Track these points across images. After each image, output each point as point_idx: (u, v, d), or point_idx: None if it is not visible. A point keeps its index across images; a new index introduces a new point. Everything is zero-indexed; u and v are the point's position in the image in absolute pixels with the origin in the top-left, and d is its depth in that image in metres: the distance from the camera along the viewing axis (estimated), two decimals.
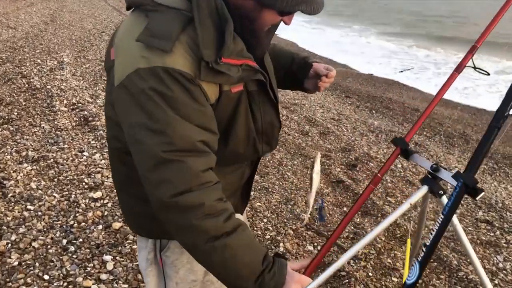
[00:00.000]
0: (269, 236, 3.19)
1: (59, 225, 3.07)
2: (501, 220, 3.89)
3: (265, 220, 3.43)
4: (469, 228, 3.63)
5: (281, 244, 3.06)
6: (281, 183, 4.17)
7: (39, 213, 3.19)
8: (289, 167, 4.59)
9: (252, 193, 3.53)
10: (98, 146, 4.49)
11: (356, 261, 2.94)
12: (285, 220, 3.44)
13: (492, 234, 3.57)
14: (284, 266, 1.11)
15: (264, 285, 1.06)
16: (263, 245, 3.04)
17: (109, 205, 3.38)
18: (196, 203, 1.00)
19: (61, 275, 2.59)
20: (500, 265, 3.07)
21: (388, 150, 5.71)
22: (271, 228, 3.31)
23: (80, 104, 5.75)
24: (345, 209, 3.70)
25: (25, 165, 3.92)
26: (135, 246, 2.87)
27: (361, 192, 4.00)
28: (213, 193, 1.04)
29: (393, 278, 2.79)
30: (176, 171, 0.99)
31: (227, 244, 1.02)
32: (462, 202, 4.28)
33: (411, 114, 8.72)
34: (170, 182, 0.99)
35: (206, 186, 1.02)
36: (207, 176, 1.03)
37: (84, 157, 4.20)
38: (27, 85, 6.34)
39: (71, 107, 5.65)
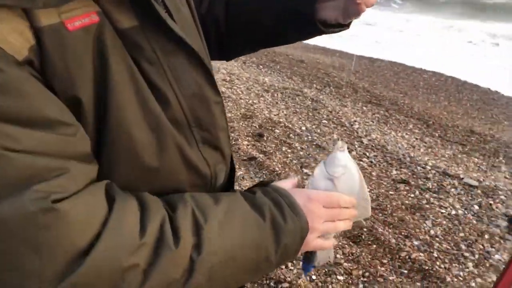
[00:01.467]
0: None
1: None
2: (414, 176, 3.86)
3: None
4: (390, 192, 3.51)
5: None
6: None
7: None
8: None
9: None
10: None
11: None
12: None
13: (412, 195, 3.50)
14: (282, 194, 0.76)
15: (283, 232, 0.72)
16: None
17: None
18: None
19: None
20: (432, 232, 2.97)
21: (287, 110, 5.42)
22: None
23: None
24: None
25: None
26: None
27: (277, 169, 3.64)
28: None
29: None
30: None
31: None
32: (373, 161, 4.19)
33: (297, 66, 8.56)
34: None
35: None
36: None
37: None
38: None
39: None
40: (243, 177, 3.48)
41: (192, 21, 0.80)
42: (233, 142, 4.12)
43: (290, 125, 4.80)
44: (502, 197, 3.54)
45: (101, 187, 0.59)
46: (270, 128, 4.63)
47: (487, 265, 2.67)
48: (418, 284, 2.45)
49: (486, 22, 14.64)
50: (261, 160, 3.79)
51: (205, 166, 0.74)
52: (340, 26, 0.95)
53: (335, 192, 0.82)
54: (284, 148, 4.14)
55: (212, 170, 0.76)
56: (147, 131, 0.62)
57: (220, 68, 7.11)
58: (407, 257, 2.64)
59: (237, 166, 3.69)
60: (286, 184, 0.81)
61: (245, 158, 3.84)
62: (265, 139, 4.33)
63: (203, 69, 0.70)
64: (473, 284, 2.47)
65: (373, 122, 5.52)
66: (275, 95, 6.07)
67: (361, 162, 4.07)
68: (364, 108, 6.11)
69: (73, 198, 0.53)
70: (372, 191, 3.50)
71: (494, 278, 2.54)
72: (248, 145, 4.13)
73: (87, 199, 0.55)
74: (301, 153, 4.08)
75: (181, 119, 0.68)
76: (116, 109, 0.59)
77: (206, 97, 0.71)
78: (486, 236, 2.97)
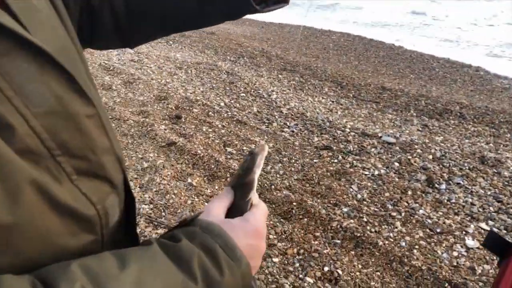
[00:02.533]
0: None
1: None
2: (335, 141, 3.89)
3: None
4: (315, 161, 3.50)
5: None
6: None
7: None
8: None
9: None
10: None
11: None
12: None
13: (336, 160, 3.52)
14: (210, 226, 0.62)
15: (210, 278, 0.57)
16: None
17: None
18: None
19: None
20: (359, 196, 3.01)
21: (204, 87, 5.22)
22: None
23: None
24: (189, 180, 3.14)
25: None
26: None
27: (199, 152, 3.48)
28: None
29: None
30: None
31: None
32: (295, 131, 4.17)
33: (208, 39, 8.29)
34: None
35: None
36: None
37: None
38: None
39: None
40: (163, 166, 3.27)
41: (53, 16, 0.60)
42: (149, 128, 3.87)
43: (208, 102, 4.62)
44: (419, 150, 3.69)
45: None
46: (187, 108, 4.42)
47: (414, 221, 2.75)
48: (352, 252, 2.46)
49: None
50: (181, 144, 3.60)
51: (86, 204, 0.55)
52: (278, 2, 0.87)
53: (262, 204, 0.73)
54: (204, 128, 3.97)
55: (99, 208, 0.57)
56: None
57: (126, 49, 6.66)
58: (338, 226, 2.64)
59: (156, 155, 3.48)
60: (218, 210, 0.67)
61: (163, 144, 3.63)
62: (183, 120, 4.12)
63: (62, 75, 0.51)
64: (403, 244, 2.53)
65: (289, 90, 5.50)
66: (189, 71, 5.82)
67: (283, 133, 4.02)
68: (280, 76, 6.06)
69: None
70: (297, 162, 3.48)
71: (421, 234, 2.64)
72: (165, 129, 3.90)
73: None
74: (223, 131, 3.94)
75: (37, 148, 0.48)
76: None
77: (71, 112, 0.52)
78: (409, 192, 3.07)
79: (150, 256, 0.53)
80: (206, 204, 0.77)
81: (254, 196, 0.71)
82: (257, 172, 0.73)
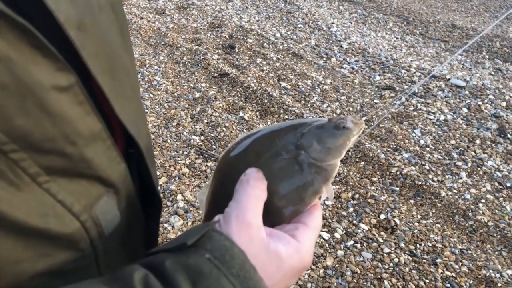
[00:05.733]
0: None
1: None
2: (399, 81, 3.61)
3: None
4: (375, 101, 3.27)
5: (179, 196, 2.34)
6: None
7: None
8: (156, 67, 3.63)
9: None
10: None
11: None
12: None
13: (398, 102, 3.27)
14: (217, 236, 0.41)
15: None
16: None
17: None
18: None
19: None
20: (422, 142, 2.79)
21: (259, 16, 4.95)
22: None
23: None
24: (241, 113, 3.01)
25: None
26: None
27: (252, 85, 3.32)
28: None
29: None
30: None
31: None
32: (355, 67, 3.90)
33: None
34: None
35: None
36: None
37: None
38: None
39: None
40: (215, 97, 3.16)
41: None
42: (202, 57, 3.73)
43: (263, 33, 4.39)
44: (491, 96, 3.36)
45: None
46: (241, 37, 4.21)
47: (481, 173, 2.53)
48: (412, 201, 2.30)
49: None
50: (234, 75, 3.45)
51: (64, 217, 0.39)
52: None
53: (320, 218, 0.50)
54: (258, 60, 3.78)
55: (85, 219, 0.41)
56: None
57: None
58: (398, 172, 2.47)
59: (208, 85, 3.36)
60: (255, 216, 0.43)
61: (216, 74, 3.49)
62: (237, 51, 3.94)
63: (12, 26, 0.31)
64: (468, 196, 2.34)
65: (351, 23, 5.13)
66: None
67: (342, 69, 3.77)
68: (341, 7, 5.66)
69: None
70: (356, 101, 3.26)
71: (489, 188, 2.42)
72: (218, 59, 3.75)
73: None
74: (278, 64, 3.74)
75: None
76: None
77: (29, 84, 0.33)
78: (478, 141, 2.81)
79: None
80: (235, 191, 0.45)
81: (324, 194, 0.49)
82: (342, 154, 0.50)
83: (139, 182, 0.54)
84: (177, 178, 2.40)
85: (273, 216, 0.47)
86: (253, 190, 0.44)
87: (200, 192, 0.56)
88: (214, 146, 2.67)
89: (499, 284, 1.86)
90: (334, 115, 3.07)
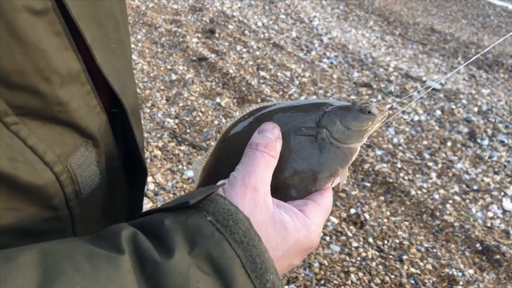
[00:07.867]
0: None
1: None
2: (376, 79, 3.63)
3: None
4: (352, 97, 3.28)
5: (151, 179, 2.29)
6: None
7: None
8: (133, 45, 3.53)
9: None
10: None
11: None
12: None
13: (375, 100, 3.29)
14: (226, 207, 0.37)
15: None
16: None
17: None
18: None
19: None
20: (395, 140, 2.82)
21: (242, 3, 4.89)
22: None
23: None
24: (218, 99, 2.96)
25: None
26: None
27: (231, 71, 3.27)
28: None
29: None
30: None
31: None
32: (334, 62, 3.90)
33: None
34: None
35: None
36: None
37: None
38: None
39: None
40: (192, 81, 3.10)
41: None
42: (181, 39, 3.65)
43: (245, 20, 4.33)
44: (464, 101, 3.43)
45: None
46: (222, 23, 4.15)
47: (450, 174, 2.58)
48: (382, 198, 2.33)
49: None
50: (213, 60, 3.39)
51: (35, 165, 0.33)
52: None
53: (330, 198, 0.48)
54: (238, 47, 3.74)
55: (59, 170, 0.36)
56: None
57: None
58: (370, 169, 2.49)
59: (185, 68, 3.29)
60: (263, 182, 0.40)
61: (194, 58, 3.43)
62: (217, 36, 3.88)
63: None
64: (437, 196, 2.38)
65: (332, 18, 5.13)
66: None
67: (321, 63, 3.77)
68: (324, 2, 5.65)
69: None
70: (333, 96, 3.26)
71: (457, 189, 2.47)
72: (197, 43, 3.68)
73: None
74: (258, 53, 3.71)
75: None
76: None
77: None
78: (449, 144, 2.87)
79: (111, 279, 0.30)
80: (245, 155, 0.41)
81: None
82: (364, 140, 0.48)
83: (124, 147, 0.49)
84: (148, 160, 2.34)
85: (282, 194, 0.44)
86: (263, 155, 0.41)
87: (196, 162, 0.52)
88: (188, 130, 2.62)
89: (461, 283, 1.90)
90: None
